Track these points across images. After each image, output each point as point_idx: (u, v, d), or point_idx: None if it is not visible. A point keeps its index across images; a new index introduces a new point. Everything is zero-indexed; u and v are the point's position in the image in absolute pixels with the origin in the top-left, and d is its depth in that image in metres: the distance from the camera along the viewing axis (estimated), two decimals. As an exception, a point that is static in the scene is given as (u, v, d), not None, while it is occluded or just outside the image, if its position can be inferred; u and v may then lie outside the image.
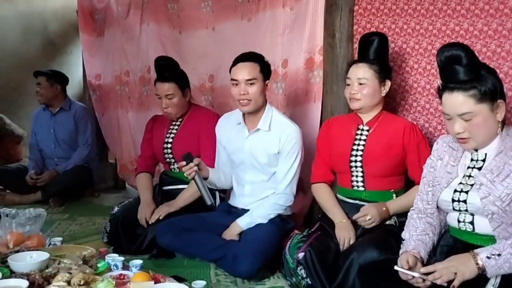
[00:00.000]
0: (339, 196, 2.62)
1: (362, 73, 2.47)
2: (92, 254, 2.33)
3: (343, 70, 2.74)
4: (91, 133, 4.50)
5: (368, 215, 2.36)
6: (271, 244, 2.56)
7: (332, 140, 2.63)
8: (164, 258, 2.83)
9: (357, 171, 2.52)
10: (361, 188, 2.52)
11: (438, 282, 1.74)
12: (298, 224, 2.95)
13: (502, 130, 1.86)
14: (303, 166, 2.85)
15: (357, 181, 2.53)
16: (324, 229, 2.50)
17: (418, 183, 2.32)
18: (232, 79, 2.71)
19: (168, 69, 3.10)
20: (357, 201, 2.53)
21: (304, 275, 2.32)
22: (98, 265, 2.20)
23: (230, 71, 2.75)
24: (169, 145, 3.19)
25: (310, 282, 2.30)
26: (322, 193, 2.64)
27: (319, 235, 2.44)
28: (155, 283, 1.96)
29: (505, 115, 1.85)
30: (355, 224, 2.47)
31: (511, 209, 1.77)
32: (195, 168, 2.55)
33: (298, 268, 2.33)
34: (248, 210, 2.77)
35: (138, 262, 2.19)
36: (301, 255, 2.32)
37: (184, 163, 2.55)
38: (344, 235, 2.40)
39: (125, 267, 2.22)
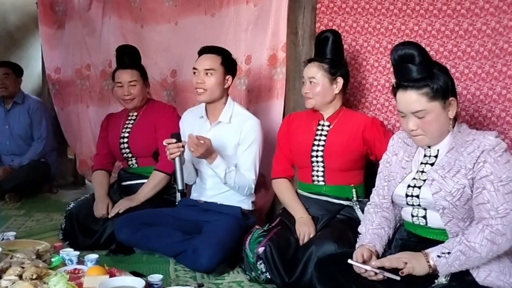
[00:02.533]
0: (300, 191, 2.64)
1: (312, 72, 2.53)
2: (46, 249, 2.28)
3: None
4: (46, 127, 4.39)
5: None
6: (231, 239, 2.55)
7: (293, 136, 2.65)
8: (122, 254, 2.79)
9: (318, 166, 2.55)
10: (321, 183, 2.55)
11: (387, 265, 1.79)
12: (260, 220, 2.95)
13: (453, 127, 1.91)
14: (266, 162, 2.86)
15: (317, 176, 2.56)
16: (285, 224, 2.52)
17: None
18: (193, 68, 2.77)
19: (130, 57, 3.11)
20: (317, 196, 2.55)
21: (264, 270, 2.33)
22: (52, 259, 2.16)
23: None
24: (126, 140, 3.15)
25: (269, 276, 2.32)
26: (282, 189, 2.66)
27: (280, 230, 2.46)
28: (111, 277, 1.93)
29: (457, 112, 1.90)
30: (314, 219, 2.49)
31: (461, 204, 1.82)
32: (182, 149, 2.54)
33: (258, 263, 2.35)
34: (211, 203, 2.76)
35: (94, 256, 2.16)
36: (261, 249, 2.34)
37: (173, 140, 2.54)
38: (304, 230, 2.43)
39: (80, 262, 2.19)
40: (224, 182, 2.62)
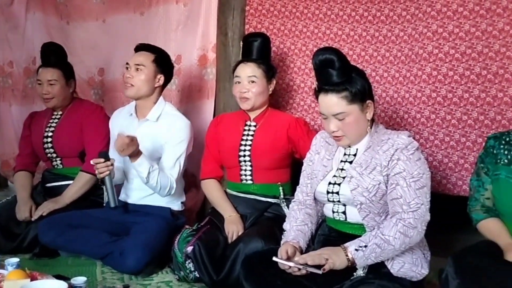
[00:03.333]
0: (229, 191, 2.68)
1: (251, 71, 2.55)
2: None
3: (232, 69, 2.81)
4: None
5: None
6: (160, 239, 2.54)
7: (221, 137, 2.68)
8: (47, 257, 2.70)
9: (245, 165, 2.59)
10: (249, 182, 2.60)
11: (309, 262, 1.86)
12: (190, 220, 2.95)
13: (371, 127, 2.01)
14: (196, 163, 2.87)
15: (245, 175, 2.60)
16: (214, 223, 2.54)
17: None
18: (126, 63, 2.76)
19: (55, 55, 3.04)
20: (245, 195, 2.60)
21: (192, 269, 2.35)
22: (-30, 265, 2.06)
23: None
24: (49, 139, 3.05)
25: (198, 275, 2.34)
26: (211, 189, 2.68)
27: (208, 229, 2.48)
28: (32, 281, 1.87)
29: (374, 113, 2.01)
30: (243, 217, 2.54)
31: (377, 199, 1.93)
32: (111, 167, 2.50)
33: (187, 262, 2.36)
34: (139, 205, 2.74)
35: (14, 260, 2.08)
36: (189, 248, 2.35)
37: (102, 160, 2.48)
38: (233, 229, 2.47)
39: (0, 266, 2.10)
40: (146, 182, 2.55)
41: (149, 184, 2.58)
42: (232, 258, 2.30)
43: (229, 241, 2.44)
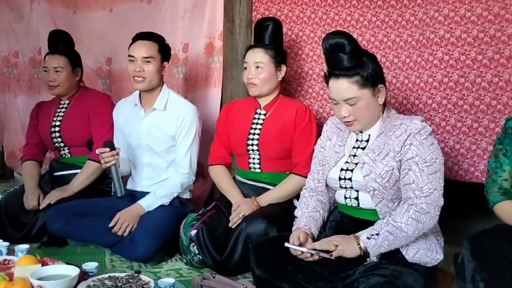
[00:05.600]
0: (238, 178, 2.66)
1: (259, 57, 2.52)
2: (-27, 243, 2.16)
3: (242, 56, 2.78)
4: None
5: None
6: (169, 227, 2.53)
7: (231, 124, 2.66)
8: (55, 246, 2.70)
9: (254, 154, 2.57)
10: (258, 170, 2.58)
11: (317, 247, 1.86)
12: (198, 209, 2.93)
13: (383, 112, 1.99)
14: (203, 151, 2.85)
15: (253, 163, 2.58)
16: (219, 208, 2.53)
17: (295, 172, 2.46)
18: (129, 55, 2.69)
19: (62, 42, 3.01)
20: (255, 182, 2.58)
21: (196, 252, 2.37)
22: (-20, 252, 2.05)
23: (129, 48, 2.72)
24: (57, 129, 3.03)
25: (201, 258, 2.36)
26: (219, 175, 2.67)
27: (213, 214, 2.48)
28: (43, 266, 1.86)
29: (386, 98, 1.99)
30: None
31: (390, 185, 1.90)
32: (117, 156, 2.50)
33: (191, 245, 2.38)
34: (147, 192, 2.72)
35: (25, 246, 2.09)
36: (193, 232, 2.37)
37: (107, 149, 2.48)
38: (243, 210, 2.41)
39: (11, 252, 2.10)
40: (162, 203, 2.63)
41: (163, 201, 2.65)
42: (234, 238, 2.31)
43: (231, 223, 2.40)
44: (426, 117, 2.49)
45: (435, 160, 1.85)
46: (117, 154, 2.51)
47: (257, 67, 2.52)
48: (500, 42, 2.30)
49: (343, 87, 1.91)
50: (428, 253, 1.89)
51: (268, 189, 2.55)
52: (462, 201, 2.62)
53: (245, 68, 2.57)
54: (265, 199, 2.49)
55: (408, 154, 1.87)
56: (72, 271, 1.81)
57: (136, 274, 1.87)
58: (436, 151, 1.88)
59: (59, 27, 3.72)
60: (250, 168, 2.60)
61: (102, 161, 2.51)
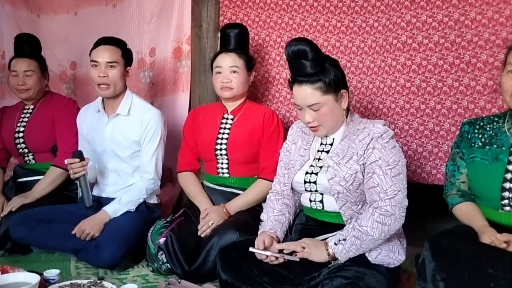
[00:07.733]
0: (206, 183, 2.65)
1: (233, 61, 2.53)
2: None
3: (210, 60, 2.78)
4: None
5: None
6: (135, 233, 2.51)
7: (198, 129, 2.65)
8: (19, 254, 2.64)
9: (222, 159, 2.57)
10: (226, 175, 2.58)
11: (284, 246, 1.88)
12: (166, 214, 2.91)
13: (347, 117, 2.02)
14: (172, 156, 2.83)
15: (222, 168, 2.58)
16: (188, 215, 2.52)
17: (263, 177, 2.47)
18: (92, 61, 2.64)
19: (30, 46, 2.97)
20: (223, 188, 2.58)
21: (165, 260, 2.33)
22: None
23: (90, 53, 2.67)
24: (21, 135, 2.97)
25: (169, 266, 2.33)
26: (188, 181, 2.66)
27: (182, 221, 2.46)
28: (3, 274, 1.82)
29: (349, 103, 2.02)
30: None
31: (354, 188, 1.93)
32: (86, 167, 2.48)
33: (159, 253, 2.34)
34: (113, 198, 2.69)
35: (-16, 255, 2.03)
36: (162, 240, 2.34)
37: (76, 160, 2.46)
38: (213, 218, 2.40)
39: (-30, 262, 2.04)
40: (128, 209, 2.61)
41: (129, 207, 2.62)
42: (206, 250, 2.28)
43: (199, 231, 2.39)
44: (390, 121, 2.54)
45: (398, 162, 1.89)
46: (87, 164, 2.48)
47: (234, 71, 2.52)
48: (460, 47, 2.36)
49: (307, 93, 1.93)
50: (390, 254, 1.92)
51: (236, 194, 2.55)
52: (425, 203, 2.67)
53: (217, 72, 2.55)
54: (234, 206, 2.48)
55: (371, 157, 1.90)
56: (33, 278, 1.78)
57: (98, 281, 1.85)
58: (398, 153, 1.92)
59: (23, 31, 3.67)
60: (218, 173, 2.59)
61: (71, 172, 2.48)
